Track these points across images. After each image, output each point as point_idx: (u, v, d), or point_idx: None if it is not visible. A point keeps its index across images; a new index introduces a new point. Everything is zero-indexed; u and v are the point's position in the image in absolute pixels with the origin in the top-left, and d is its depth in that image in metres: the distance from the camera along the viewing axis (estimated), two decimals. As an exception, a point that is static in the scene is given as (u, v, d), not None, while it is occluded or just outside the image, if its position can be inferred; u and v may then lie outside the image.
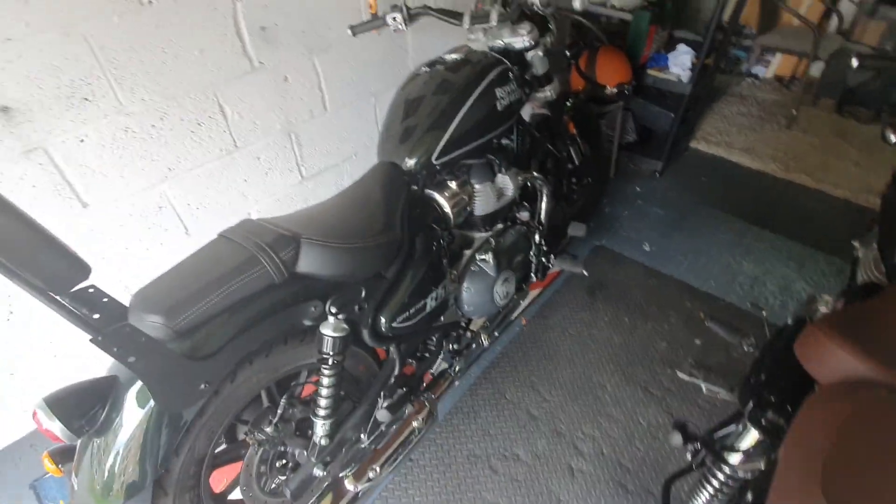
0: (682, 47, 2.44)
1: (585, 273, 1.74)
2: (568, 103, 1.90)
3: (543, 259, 1.70)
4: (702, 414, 1.64)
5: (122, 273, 1.58)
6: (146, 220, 1.57)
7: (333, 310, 1.04)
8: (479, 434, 1.59)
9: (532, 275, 1.72)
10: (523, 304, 1.76)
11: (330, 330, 1.04)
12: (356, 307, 1.10)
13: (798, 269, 2.15)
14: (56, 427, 0.80)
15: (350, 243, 1.04)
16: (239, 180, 1.74)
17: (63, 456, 0.95)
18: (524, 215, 1.63)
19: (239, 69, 1.57)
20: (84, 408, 0.84)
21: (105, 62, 1.29)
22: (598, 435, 1.60)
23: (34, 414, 0.80)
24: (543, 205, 1.68)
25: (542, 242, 1.66)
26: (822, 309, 1.12)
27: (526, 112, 1.85)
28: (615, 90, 2.27)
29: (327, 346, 1.05)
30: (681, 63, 2.41)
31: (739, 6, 2.37)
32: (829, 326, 0.82)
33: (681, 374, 1.68)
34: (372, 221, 1.12)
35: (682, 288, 2.10)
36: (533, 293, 2.05)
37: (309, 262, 0.99)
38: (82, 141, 1.34)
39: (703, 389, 1.56)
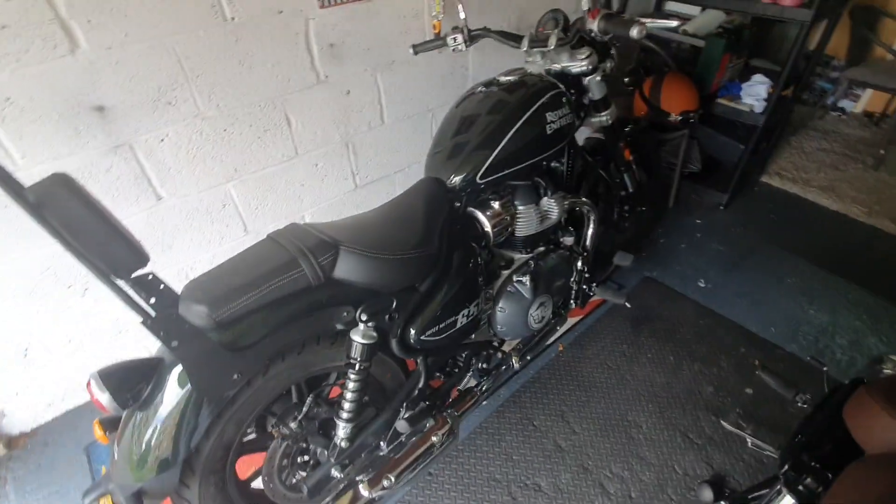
0: (757, 77, 2.32)
1: (628, 304, 1.67)
2: (627, 129, 1.86)
3: (585, 286, 1.66)
4: (745, 470, 1.51)
5: (184, 262, 1.71)
6: (211, 215, 1.70)
7: (364, 317, 1.07)
8: (502, 458, 1.56)
9: (571, 301, 1.68)
10: (560, 329, 1.71)
11: (359, 336, 1.07)
12: (386, 316, 1.13)
13: (872, 324, 1.95)
14: (105, 398, 0.87)
15: (386, 254, 1.08)
16: (297, 184, 1.85)
17: (111, 425, 1.03)
18: (568, 240, 1.60)
19: (306, 82, 1.67)
20: (131, 383, 0.91)
21: (189, 71, 1.42)
22: (627, 476, 1.52)
23: (88, 384, 0.89)
24: (590, 231, 1.64)
25: (585, 269, 1.62)
26: (888, 371, 1.02)
27: (581, 136, 1.83)
28: (679, 118, 2.19)
29: (355, 352, 1.09)
30: (755, 93, 2.28)
31: (826, 36, 2.22)
32: (881, 391, 0.75)
33: (725, 424, 1.56)
34: (410, 235, 1.14)
35: (738, 331, 1.96)
36: (573, 320, 2.00)
37: (345, 269, 1.03)
38: (163, 140, 1.48)
39: (749, 443, 1.45)
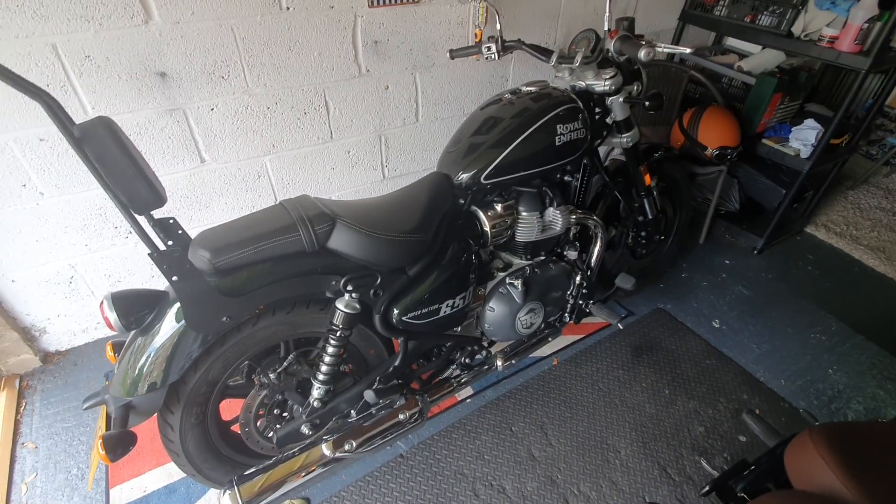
0: (809, 121, 2.23)
1: (620, 326, 1.66)
2: (656, 155, 1.85)
3: (581, 302, 1.67)
4: (720, 515, 1.46)
5: (217, 222, 1.86)
6: (246, 183, 1.85)
7: (349, 287, 1.16)
8: (473, 455, 1.60)
9: (566, 315, 1.69)
10: (552, 341, 1.72)
11: (342, 305, 1.16)
12: (371, 292, 1.20)
13: (896, 394, 1.82)
14: (112, 317, 1.00)
15: (379, 233, 1.16)
16: (328, 168, 1.98)
17: (120, 348, 1.17)
18: (572, 254, 1.62)
19: (348, 73, 1.80)
20: (137, 309, 1.04)
21: (243, 51, 1.58)
22: (594, 497, 1.51)
23: (101, 304, 1.02)
24: (596, 249, 1.66)
25: (584, 285, 1.63)
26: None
27: (605, 155, 1.84)
28: (716, 152, 2.14)
29: (337, 319, 1.17)
30: (803, 138, 2.20)
31: (887, 88, 2.10)
32: (822, 436, 0.74)
33: (705, 465, 1.52)
34: (406, 220, 1.22)
35: (744, 377, 1.89)
36: (573, 337, 2.00)
37: (339, 241, 1.12)
38: (212, 110, 1.64)
39: (725, 487, 1.40)
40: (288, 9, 1.58)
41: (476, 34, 1.92)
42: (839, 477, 0.66)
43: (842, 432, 0.74)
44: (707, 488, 0.80)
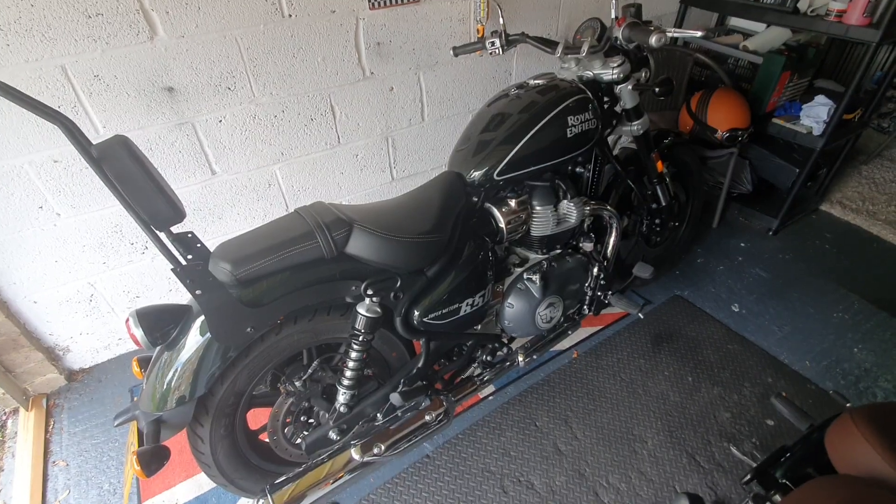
0: (820, 98, 2.19)
1: (641, 315, 1.65)
2: (666, 141, 1.83)
3: (600, 294, 1.66)
4: (752, 501, 1.45)
5: (230, 233, 1.88)
6: (257, 193, 1.86)
7: (369, 292, 1.16)
8: (499, 452, 1.59)
9: (585, 307, 1.68)
10: (571, 334, 1.71)
11: (363, 309, 1.16)
12: (391, 295, 1.20)
13: (925, 371, 1.79)
14: (139, 333, 1.01)
15: (396, 236, 1.16)
16: (337, 172, 1.98)
17: (146, 364, 1.18)
18: (588, 246, 1.61)
19: (352, 77, 1.79)
20: (162, 324, 1.04)
21: (248, 61, 1.58)
22: (623, 488, 1.50)
23: (127, 320, 1.03)
24: (611, 239, 1.64)
25: (601, 276, 1.62)
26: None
27: (615, 144, 1.83)
28: (726, 135, 2.12)
29: (359, 324, 1.17)
30: (815, 115, 2.16)
31: (900, 59, 2.07)
32: (864, 418, 0.73)
33: (735, 451, 1.50)
34: (422, 221, 1.22)
35: (768, 361, 1.87)
36: (592, 329, 1.99)
37: (357, 246, 1.12)
38: (220, 121, 1.64)
39: (756, 472, 1.39)
40: (290, 16, 1.58)
41: (478, 30, 1.91)
42: (887, 459, 0.65)
43: (886, 413, 0.73)
44: (748, 476, 0.79)
